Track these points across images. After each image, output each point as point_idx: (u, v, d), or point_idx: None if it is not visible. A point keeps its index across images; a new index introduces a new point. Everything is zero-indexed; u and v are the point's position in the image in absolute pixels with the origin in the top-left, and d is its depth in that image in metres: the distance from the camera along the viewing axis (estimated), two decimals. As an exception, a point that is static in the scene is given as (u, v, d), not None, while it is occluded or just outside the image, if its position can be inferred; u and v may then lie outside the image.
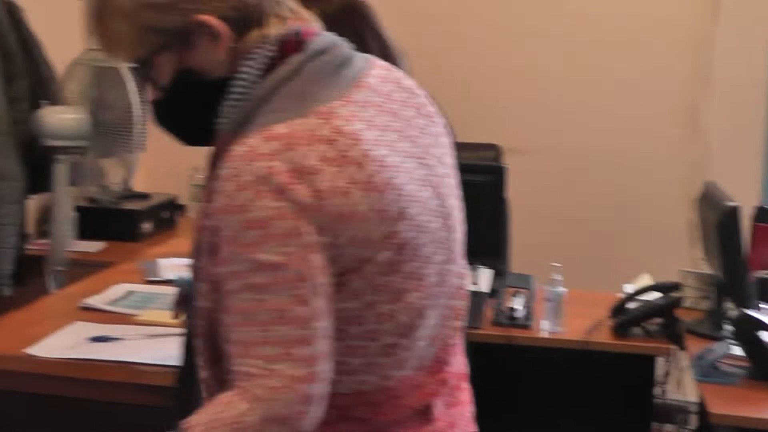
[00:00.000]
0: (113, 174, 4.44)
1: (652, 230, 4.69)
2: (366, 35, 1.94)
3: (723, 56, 4.61)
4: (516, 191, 3.73)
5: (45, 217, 4.09)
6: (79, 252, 3.87)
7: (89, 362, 2.36)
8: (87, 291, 2.98)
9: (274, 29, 1.47)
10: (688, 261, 3.73)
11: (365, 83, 1.49)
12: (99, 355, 2.38)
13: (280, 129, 1.37)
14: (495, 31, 4.81)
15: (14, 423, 2.39)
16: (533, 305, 3.34)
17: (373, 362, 1.46)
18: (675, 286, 3.38)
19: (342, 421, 1.48)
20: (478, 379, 1.76)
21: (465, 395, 1.66)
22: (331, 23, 1.59)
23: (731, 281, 3.12)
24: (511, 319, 3.24)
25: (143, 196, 4.49)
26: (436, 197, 1.50)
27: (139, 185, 4.63)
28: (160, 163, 4.68)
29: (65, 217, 3.83)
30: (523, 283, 3.57)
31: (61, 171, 3.77)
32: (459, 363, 1.65)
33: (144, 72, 1.50)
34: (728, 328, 3.01)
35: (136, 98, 3.95)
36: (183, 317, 1.91)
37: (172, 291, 2.04)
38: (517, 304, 3.30)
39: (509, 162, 4.01)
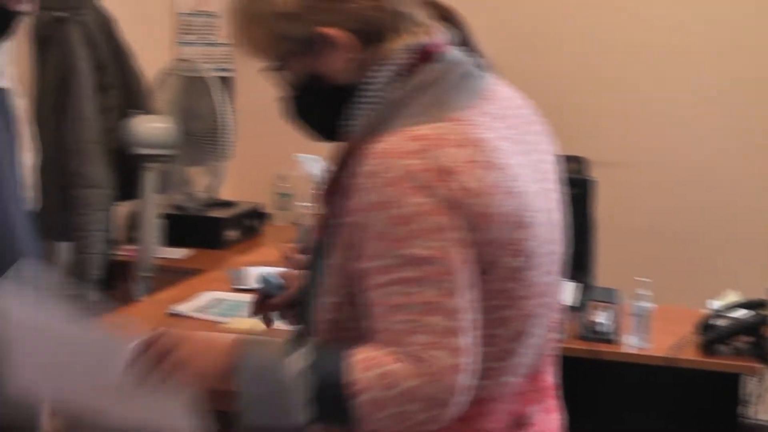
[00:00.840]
0: (199, 182, 4.51)
1: (740, 245, 4.62)
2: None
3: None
4: (601, 204, 3.70)
5: (133, 224, 4.16)
6: (165, 258, 3.94)
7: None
8: (175, 298, 3.02)
9: (406, 41, 1.54)
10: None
11: (493, 96, 1.56)
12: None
13: (424, 130, 1.43)
14: (583, 43, 4.79)
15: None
16: (619, 320, 3.30)
17: (489, 367, 1.50)
18: (763, 303, 3.32)
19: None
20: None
21: (556, 405, 1.70)
22: None
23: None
24: (595, 333, 3.21)
25: (229, 204, 4.55)
26: (549, 211, 1.56)
27: (224, 193, 4.68)
28: (246, 172, 4.74)
29: (152, 224, 3.89)
30: (608, 297, 3.52)
31: (149, 179, 3.84)
32: (553, 373, 1.70)
33: (278, 72, 1.60)
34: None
35: (224, 108, 4.00)
36: (262, 318, 1.90)
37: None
38: (603, 318, 3.27)
39: (595, 174, 3.98)
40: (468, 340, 1.41)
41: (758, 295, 3.37)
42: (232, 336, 1.49)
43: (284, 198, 4.98)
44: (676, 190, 4.72)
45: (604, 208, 3.79)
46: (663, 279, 3.56)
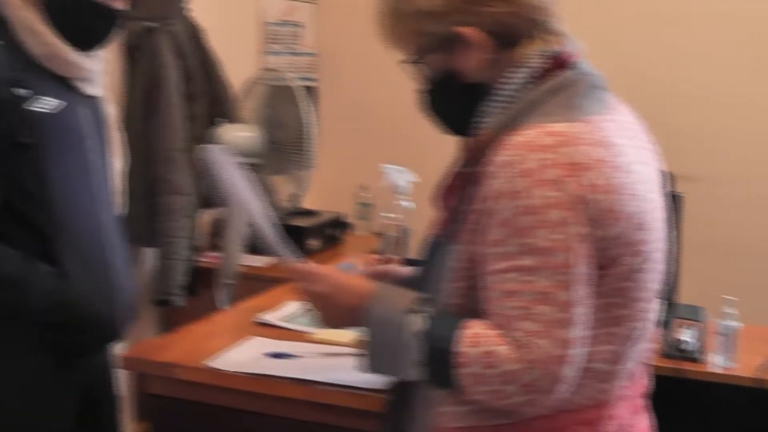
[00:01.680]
0: (283, 190, 4.54)
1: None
2: None
3: None
4: (687, 219, 3.66)
5: (217, 231, 4.21)
6: (248, 266, 3.96)
7: (268, 378, 2.39)
8: (261, 306, 3.04)
9: (539, 47, 1.62)
10: None
11: (617, 107, 1.64)
12: (278, 372, 2.41)
13: (560, 127, 1.50)
14: (670, 57, 4.74)
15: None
16: (704, 338, 3.25)
17: (607, 370, 1.56)
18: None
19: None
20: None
21: (650, 416, 1.76)
22: None
23: None
24: (680, 351, 3.17)
25: (311, 213, 4.57)
26: (661, 221, 1.63)
27: (307, 202, 4.72)
28: (329, 181, 4.77)
29: (236, 232, 3.93)
30: (694, 315, 3.48)
31: (234, 187, 3.87)
32: (647, 384, 1.76)
33: (416, 65, 1.70)
34: None
35: (309, 117, 4.03)
36: None
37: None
38: (687, 336, 3.22)
39: (681, 189, 3.93)
40: (577, 332, 1.46)
41: None
42: (370, 283, 1.66)
43: (366, 208, 5.00)
44: (763, 206, 4.65)
45: (689, 224, 3.75)
46: (750, 297, 3.51)
